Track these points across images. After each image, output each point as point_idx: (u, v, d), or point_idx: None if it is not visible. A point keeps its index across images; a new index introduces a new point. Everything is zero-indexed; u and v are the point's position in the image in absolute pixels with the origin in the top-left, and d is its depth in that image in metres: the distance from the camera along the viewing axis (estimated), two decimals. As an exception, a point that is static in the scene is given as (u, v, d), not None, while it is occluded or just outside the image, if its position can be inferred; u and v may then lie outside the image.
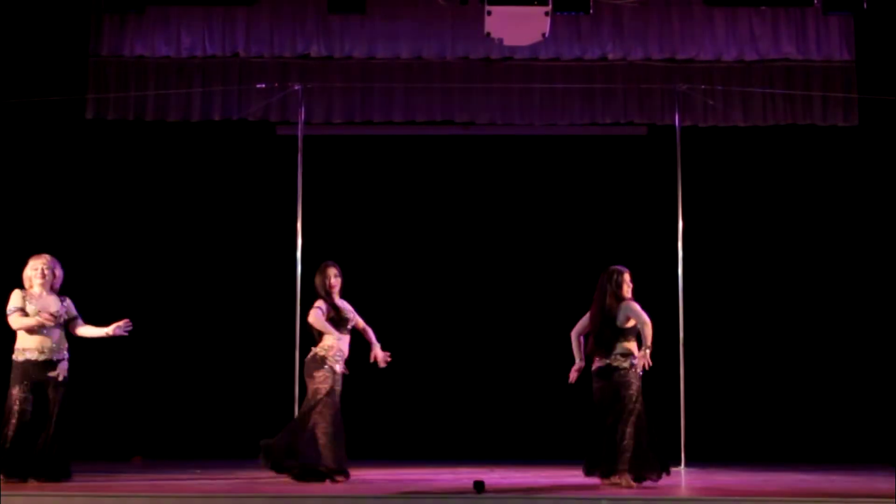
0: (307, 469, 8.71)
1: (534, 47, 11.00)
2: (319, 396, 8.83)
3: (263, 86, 11.28)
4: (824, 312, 11.91)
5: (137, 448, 11.47)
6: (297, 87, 11.16)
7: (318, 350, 8.92)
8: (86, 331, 8.85)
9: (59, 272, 8.84)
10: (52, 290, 8.78)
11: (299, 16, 11.38)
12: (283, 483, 8.84)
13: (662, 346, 9.96)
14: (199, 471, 9.68)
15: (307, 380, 8.94)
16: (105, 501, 7.66)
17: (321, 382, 8.86)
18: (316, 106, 11.46)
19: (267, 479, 9.04)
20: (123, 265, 11.86)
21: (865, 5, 10.49)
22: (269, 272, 11.77)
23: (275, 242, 11.59)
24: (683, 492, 8.51)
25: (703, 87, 11.31)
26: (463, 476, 9.12)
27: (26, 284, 8.79)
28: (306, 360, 8.97)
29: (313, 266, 10.83)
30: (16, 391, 8.59)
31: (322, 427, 8.79)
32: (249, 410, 11.86)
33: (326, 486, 8.52)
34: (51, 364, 8.64)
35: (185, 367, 11.91)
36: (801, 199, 12.08)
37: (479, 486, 7.88)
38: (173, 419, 11.81)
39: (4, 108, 10.95)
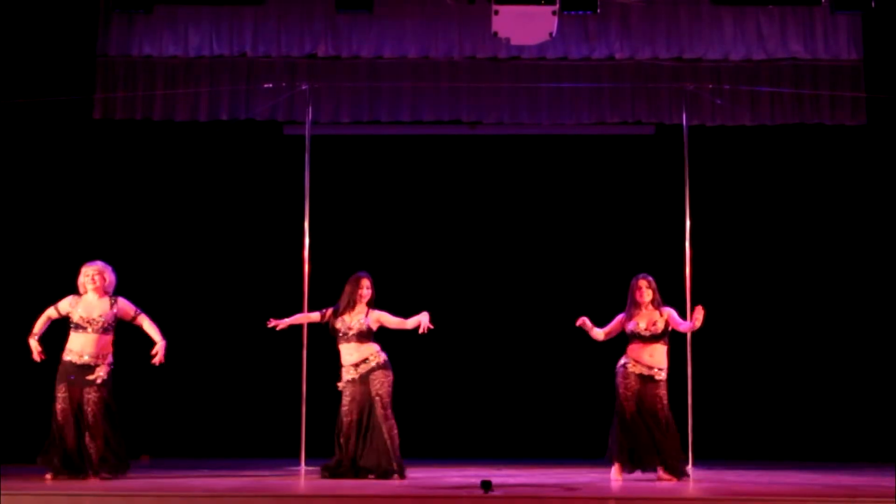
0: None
1: (541, 47, 10.99)
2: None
3: (271, 85, 11.29)
4: (831, 312, 11.89)
5: (145, 447, 11.49)
6: (304, 87, 11.16)
7: None
8: (141, 322, 9.10)
9: (109, 276, 9.04)
10: (104, 293, 8.97)
11: (307, 15, 11.38)
12: (288, 482, 8.88)
13: (670, 346, 9.96)
14: (206, 470, 9.70)
15: None
16: (112, 500, 7.67)
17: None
18: (323, 105, 11.46)
19: (274, 478, 9.07)
20: (131, 265, 11.81)
21: (873, 4, 10.47)
22: (277, 272, 11.79)
23: (282, 242, 11.59)
24: (691, 492, 8.50)
25: (710, 86, 11.29)
26: (470, 475, 9.13)
27: (80, 290, 8.98)
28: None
29: (320, 265, 10.90)
30: (58, 390, 8.86)
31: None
32: (257, 410, 11.89)
33: (332, 486, 8.54)
34: (89, 368, 8.85)
35: (193, 367, 11.92)
36: (809, 198, 12.07)
37: (486, 485, 7.87)
38: (181, 418, 11.83)
39: (12, 107, 10.96)
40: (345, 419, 9.22)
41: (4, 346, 11.11)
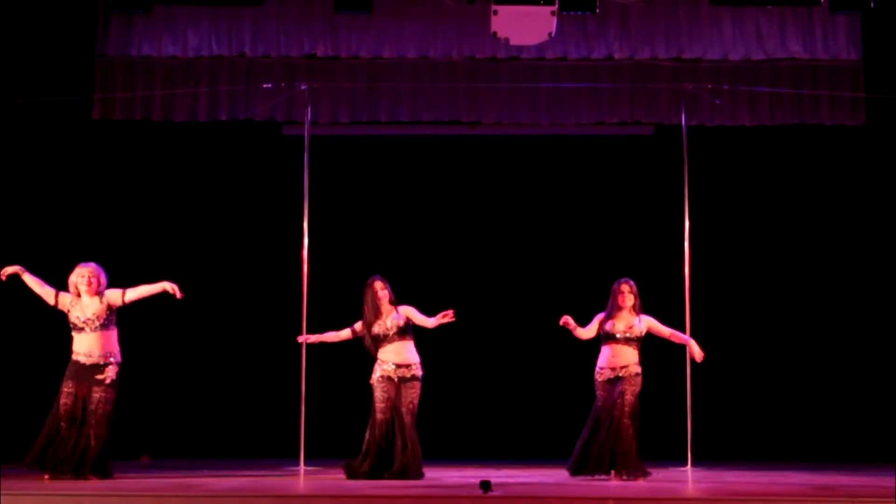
0: None
1: (540, 47, 10.99)
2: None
3: (270, 86, 11.29)
4: (830, 312, 11.90)
5: (145, 447, 11.49)
6: (303, 87, 11.16)
7: None
8: (134, 293, 9.03)
9: (103, 280, 9.06)
10: (96, 294, 8.97)
11: (306, 15, 11.39)
12: (288, 482, 8.89)
13: (669, 346, 9.98)
14: (205, 470, 9.71)
15: None
16: (112, 501, 7.66)
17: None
18: (322, 106, 11.46)
19: (274, 478, 9.08)
20: (130, 265, 11.83)
21: (872, 4, 10.48)
22: (276, 272, 11.80)
23: (281, 242, 11.59)
24: (689, 492, 8.50)
25: (709, 86, 11.29)
26: (470, 475, 9.13)
27: (72, 290, 9.00)
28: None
29: (319, 266, 10.89)
30: (64, 385, 8.89)
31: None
32: (257, 410, 11.89)
33: (332, 486, 8.54)
34: (97, 368, 8.87)
35: (192, 367, 11.93)
36: (808, 198, 12.08)
37: (485, 485, 7.88)
38: (180, 419, 11.83)
39: (11, 107, 10.96)
40: (379, 416, 9.17)
41: (4, 347, 11.12)
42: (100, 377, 8.85)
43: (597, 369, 9.37)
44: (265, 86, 11.30)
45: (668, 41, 11.41)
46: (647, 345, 9.45)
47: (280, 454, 10.92)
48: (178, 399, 11.88)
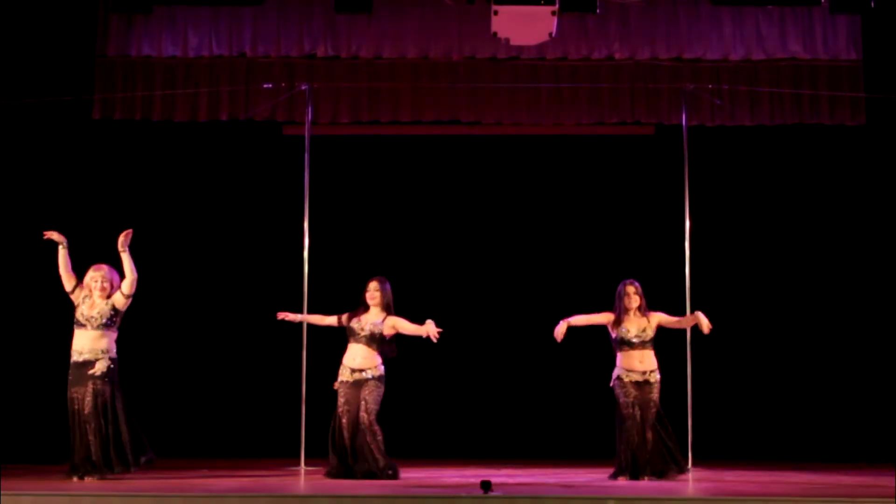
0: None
1: (540, 47, 10.99)
2: None
3: (270, 86, 11.29)
4: (831, 312, 11.89)
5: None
6: (303, 87, 11.16)
7: None
8: (125, 276, 9.03)
9: (116, 282, 9.08)
10: (107, 297, 9.02)
11: (306, 16, 11.40)
12: (288, 482, 8.89)
13: (670, 346, 9.98)
14: (206, 470, 9.70)
15: None
16: (111, 500, 7.67)
17: None
18: (323, 106, 11.47)
19: (274, 478, 9.08)
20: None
21: (872, 5, 10.48)
22: (276, 272, 11.79)
23: (282, 242, 11.59)
24: (690, 492, 8.50)
25: (710, 86, 11.29)
26: (469, 475, 9.13)
27: (85, 289, 9.05)
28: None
29: (320, 266, 10.90)
30: (69, 392, 8.95)
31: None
32: (257, 410, 11.88)
33: (332, 486, 8.54)
34: (88, 364, 8.89)
35: (192, 367, 11.93)
36: (809, 198, 12.07)
37: (485, 485, 7.88)
38: (180, 418, 11.82)
39: (12, 107, 10.96)
40: (341, 419, 9.24)
41: (4, 347, 11.11)
42: (90, 372, 8.86)
43: (621, 370, 9.28)
44: (265, 86, 11.31)
45: (669, 41, 11.41)
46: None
47: (280, 454, 10.91)
48: (178, 399, 11.87)
